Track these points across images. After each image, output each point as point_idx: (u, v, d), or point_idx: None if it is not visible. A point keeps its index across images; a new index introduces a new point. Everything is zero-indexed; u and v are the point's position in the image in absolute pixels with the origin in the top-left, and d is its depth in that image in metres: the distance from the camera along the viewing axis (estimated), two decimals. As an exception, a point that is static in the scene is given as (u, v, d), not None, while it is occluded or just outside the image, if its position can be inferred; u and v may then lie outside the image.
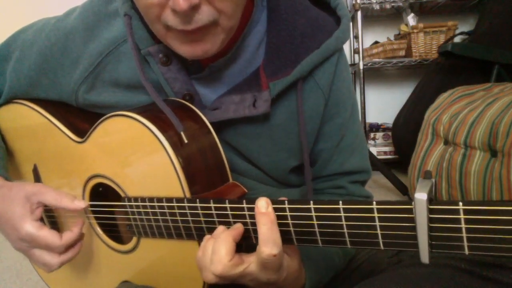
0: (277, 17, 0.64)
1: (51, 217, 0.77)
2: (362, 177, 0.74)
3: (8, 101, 0.75)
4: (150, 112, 0.59)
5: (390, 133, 2.50)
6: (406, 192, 2.00)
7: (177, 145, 0.56)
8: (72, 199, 0.63)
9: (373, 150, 2.54)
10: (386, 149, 2.55)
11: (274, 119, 0.66)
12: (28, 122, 0.74)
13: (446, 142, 1.63)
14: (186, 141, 0.57)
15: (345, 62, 0.70)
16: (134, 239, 0.66)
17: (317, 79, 0.65)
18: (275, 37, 0.63)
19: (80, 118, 0.71)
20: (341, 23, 0.66)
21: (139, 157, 0.60)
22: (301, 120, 0.65)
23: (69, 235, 0.62)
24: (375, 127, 2.65)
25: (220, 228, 0.52)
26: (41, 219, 0.64)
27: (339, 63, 0.68)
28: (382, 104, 2.80)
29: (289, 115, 0.66)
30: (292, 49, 0.63)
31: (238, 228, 0.51)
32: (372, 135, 2.63)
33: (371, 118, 2.80)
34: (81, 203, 0.63)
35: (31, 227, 0.60)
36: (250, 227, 0.51)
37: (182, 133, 0.57)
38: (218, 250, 0.49)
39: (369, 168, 0.75)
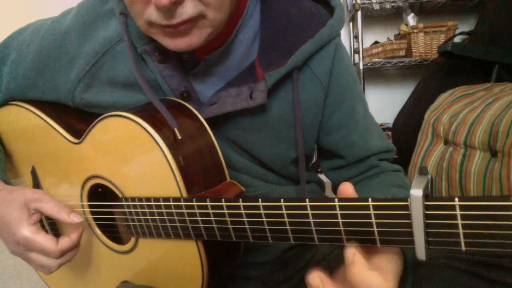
0: (270, 9, 0.64)
1: (50, 218, 0.77)
2: (389, 155, 0.76)
3: (5, 102, 0.75)
4: (146, 112, 0.59)
5: (390, 133, 2.49)
6: (406, 192, 1.99)
7: (173, 144, 0.56)
8: (69, 212, 0.63)
9: (374, 150, 2.52)
10: (386, 149, 2.54)
11: (272, 110, 0.66)
12: (26, 123, 0.74)
13: (446, 142, 1.63)
14: (179, 137, 0.57)
15: (344, 50, 0.70)
16: (133, 239, 0.65)
17: (313, 68, 0.66)
18: (269, 28, 0.64)
19: (77, 119, 0.71)
20: (334, 12, 0.66)
21: (136, 157, 0.59)
22: (297, 109, 0.65)
23: (66, 241, 0.62)
24: (375, 127, 2.64)
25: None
26: (41, 222, 0.64)
27: (338, 51, 0.68)
28: (382, 104, 2.79)
29: (286, 106, 0.66)
30: (286, 39, 0.63)
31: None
32: (372, 135, 2.62)
33: (371, 119, 2.79)
34: (77, 218, 0.63)
35: (27, 231, 0.60)
36: (247, 226, 0.51)
37: (176, 130, 0.57)
38: None
39: (392, 146, 0.77)
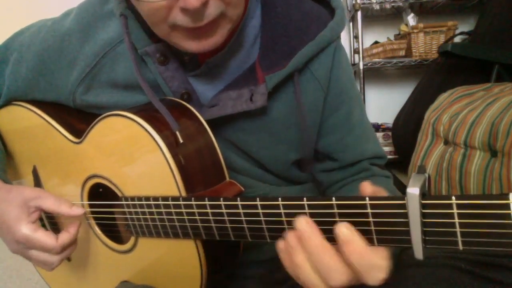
0: (271, 11, 0.64)
1: (50, 218, 0.77)
2: (381, 161, 0.75)
3: (7, 103, 0.76)
4: (146, 112, 0.60)
5: (390, 133, 2.49)
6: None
7: (173, 145, 0.56)
8: (71, 206, 0.63)
9: (374, 151, 2.52)
10: (386, 149, 2.54)
11: (272, 112, 0.66)
12: (27, 123, 0.74)
13: (446, 142, 1.63)
14: (181, 140, 0.57)
15: (343, 53, 0.70)
16: (132, 239, 0.66)
17: (314, 70, 0.65)
18: (270, 31, 0.64)
19: (78, 119, 0.72)
20: (335, 14, 0.66)
21: (136, 157, 0.60)
22: (300, 111, 0.65)
23: (65, 236, 0.62)
24: (375, 127, 2.64)
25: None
26: (41, 220, 0.64)
27: (337, 53, 0.67)
28: (382, 104, 2.79)
29: (287, 108, 0.66)
30: (287, 42, 0.63)
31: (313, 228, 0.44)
32: (372, 135, 2.62)
33: (371, 118, 2.77)
34: (79, 210, 0.64)
35: (26, 229, 0.60)
36: (245, 225, 0.51)
37: (177, 133, 0.57)
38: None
39: (385, 154, 0.76)
